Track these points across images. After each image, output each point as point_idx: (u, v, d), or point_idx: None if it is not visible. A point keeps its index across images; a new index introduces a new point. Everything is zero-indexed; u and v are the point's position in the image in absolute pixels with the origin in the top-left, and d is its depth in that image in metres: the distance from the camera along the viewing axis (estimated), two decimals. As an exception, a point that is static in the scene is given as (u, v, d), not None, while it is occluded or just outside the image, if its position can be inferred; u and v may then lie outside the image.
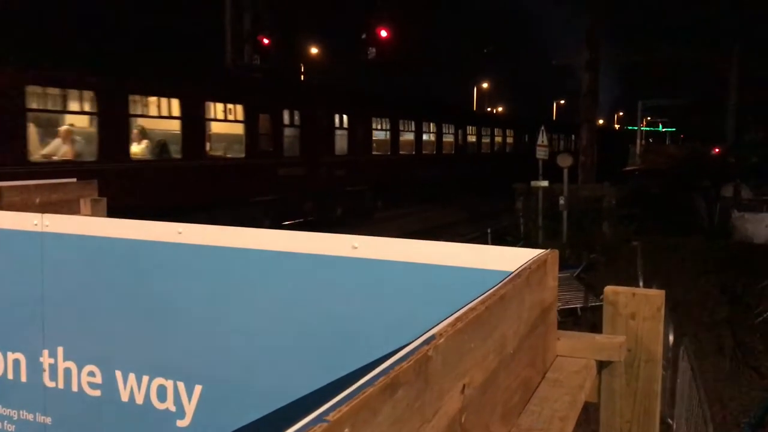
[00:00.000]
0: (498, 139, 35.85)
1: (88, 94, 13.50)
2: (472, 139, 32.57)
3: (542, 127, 16.60)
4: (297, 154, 19.13)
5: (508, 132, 36.87)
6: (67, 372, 2.24)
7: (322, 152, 20.23)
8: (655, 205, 22.37)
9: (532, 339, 1.67)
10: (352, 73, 36.04)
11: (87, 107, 13.63)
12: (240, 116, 17.19)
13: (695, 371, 4.92)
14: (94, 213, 3.21)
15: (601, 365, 1.99)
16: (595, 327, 7.85)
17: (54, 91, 13.23)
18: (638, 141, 60.20)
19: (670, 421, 5.47)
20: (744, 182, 22.57)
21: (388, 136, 24.84)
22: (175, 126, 15.63)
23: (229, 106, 16.97)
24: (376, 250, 1.86)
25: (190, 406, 2.07)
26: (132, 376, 2.14)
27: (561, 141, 42.01)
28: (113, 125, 13.80)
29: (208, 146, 16.50)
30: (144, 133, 14.92)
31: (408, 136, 26.46)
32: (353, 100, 23.10)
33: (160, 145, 15.41)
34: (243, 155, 17.30)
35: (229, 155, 17.45)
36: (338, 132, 21.43)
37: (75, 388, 2.22)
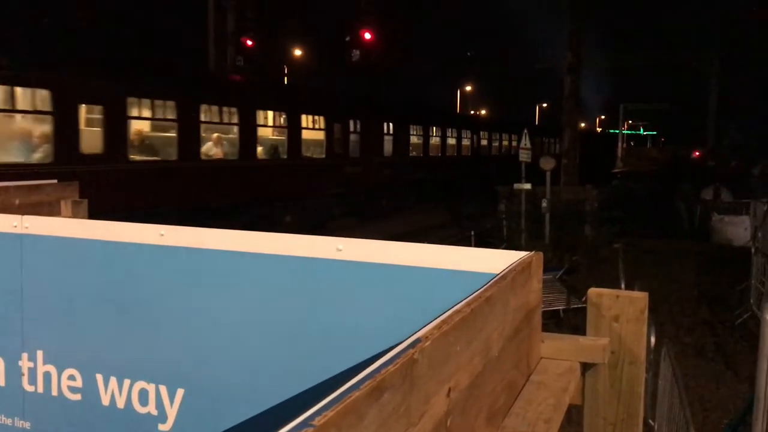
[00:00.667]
0: (505, 143, 38.61)
1: (232, 110, 17.64)
2: (484, 142, 35.79)
3: (525, 130, 16.69)
4: (358, 156, 22.95)
5: (513, 137, 38.52)
6: (47, 376, 2.20)
7: (374, 154, 24.08)
8: (637, 207, 22.52)
9: (517, 341, 1.67)
10: (336, 76, 36.09)
11: (234, 120, 17.77)
12: (322, 125, 21.35)
13: (677, 373, 4.94)
14: (75, 215, 3.18)
15: (585, 367, 1.99)
16: (577, 329, 7.89)
17: (213, 108, 17.25)
18: (620, 144, 60.74)
19: (651, 422, 5.51)
20: (724, 185, 22.81)
21: (420, 141, 28.79)
22: (281, 134, 19.91)
23: (315, 117, 21.11)
24: (361, 253, 1.85)
25: (172, 410, 2.04)
26: (113, 380, 2.11)
27: (555, 144, 42.49)
28: (248, 133, 17.95)
29: (303, 149, 20.32)
30: (261, 139, 18.95)
31: (434, 141, 30.31)
32: (396, 110, 27.45)
33: (273, 149, 19.48)
34: (324, 156, 21.32)
35: (314, 156, 21.21)
36: (386, 137, 25.44)
37: (55, 393, 2.19)
